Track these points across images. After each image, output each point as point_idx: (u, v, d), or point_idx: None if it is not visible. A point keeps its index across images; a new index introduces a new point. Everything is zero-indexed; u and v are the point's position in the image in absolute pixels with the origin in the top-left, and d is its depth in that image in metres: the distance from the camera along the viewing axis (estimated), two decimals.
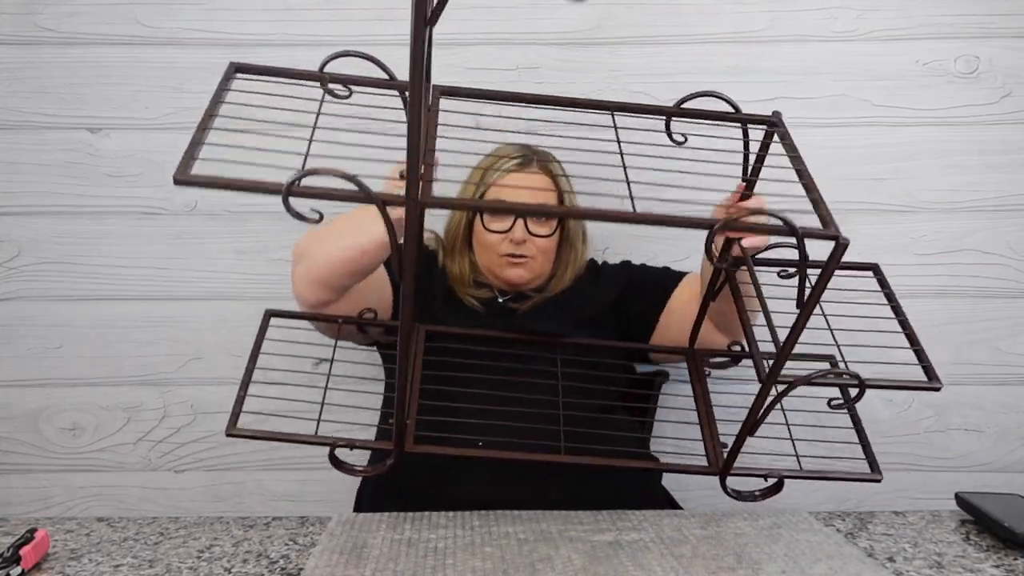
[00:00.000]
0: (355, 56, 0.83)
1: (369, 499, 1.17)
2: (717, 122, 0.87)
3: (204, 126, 0.71)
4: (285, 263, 1.22)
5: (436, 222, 1.30)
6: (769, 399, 0.81)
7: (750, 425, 0.83)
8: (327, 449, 0.84)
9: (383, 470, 0.85)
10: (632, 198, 0.77)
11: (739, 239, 0.90)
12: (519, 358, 1.07)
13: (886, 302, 0.95)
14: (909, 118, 1.44)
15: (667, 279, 1.23)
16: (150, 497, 1.44)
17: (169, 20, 1.41)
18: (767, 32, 1.44)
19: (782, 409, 0.89)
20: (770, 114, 0.86)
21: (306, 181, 0.63)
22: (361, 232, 0.95)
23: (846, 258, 1.12)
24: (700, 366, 1.05)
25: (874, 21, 1.44)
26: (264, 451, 1.44)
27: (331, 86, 0.84)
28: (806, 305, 0.72)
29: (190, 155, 0.67)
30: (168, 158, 1.42)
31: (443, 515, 0.88)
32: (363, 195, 0.64)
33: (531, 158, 1.20)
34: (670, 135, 0.87)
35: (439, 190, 0.74)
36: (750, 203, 0.92)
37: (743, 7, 1.44)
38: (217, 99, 0.76)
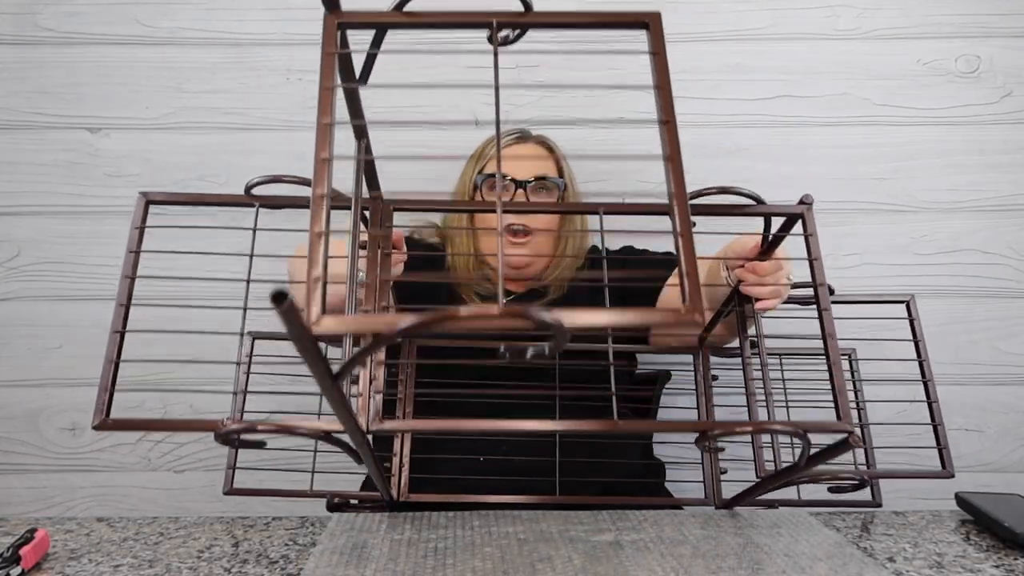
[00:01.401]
0: (288, 182, 0.78)
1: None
2: (737, 216, 0.78)
3: (122, 317, 0.74)
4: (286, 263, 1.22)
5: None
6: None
7: (747, 496, 0.86)
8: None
9: (381, 510, 0.88)
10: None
11: (753, 300, 0.88)
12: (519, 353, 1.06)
13: (911, 338, 0.99)
14: (910, 117, 1.44)
15: (664, 267, 1.19)
16: (150, 497, 1.44)
17: (169, 20, 1.41)
18: (768, 30, 1.44)
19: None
20: (799, 200, 0.77)
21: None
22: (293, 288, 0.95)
23: (879, 292, 1.11)
24: (707, 366, 1.03)
25: (875, 20, 1.44)
26: (264, 451, 1.44)
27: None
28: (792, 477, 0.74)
29: (105, 397, 0.68)
30: (168, 158, 1.42)
31: (443, 515, 0.88)
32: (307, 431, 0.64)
33: (528, 133, 1.24)
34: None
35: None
36: (766, 265, 0.85)
37: (744, 5, 1.44)
38: (135, 248, 0.74)
